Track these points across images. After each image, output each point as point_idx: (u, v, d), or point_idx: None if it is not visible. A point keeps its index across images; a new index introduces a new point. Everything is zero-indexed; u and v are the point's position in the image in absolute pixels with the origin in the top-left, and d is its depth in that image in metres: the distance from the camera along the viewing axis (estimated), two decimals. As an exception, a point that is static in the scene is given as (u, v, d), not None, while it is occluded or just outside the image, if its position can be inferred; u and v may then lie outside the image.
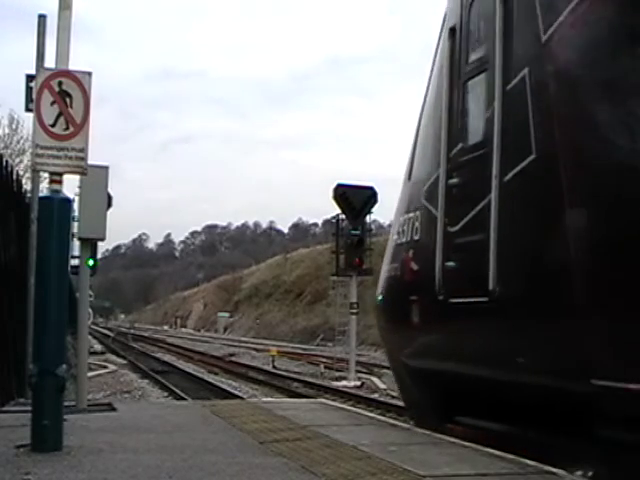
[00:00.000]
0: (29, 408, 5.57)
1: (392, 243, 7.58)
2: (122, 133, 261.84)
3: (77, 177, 7.43)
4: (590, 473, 4.66)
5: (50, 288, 5.36)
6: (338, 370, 23.70)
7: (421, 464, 4.80)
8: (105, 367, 25.02)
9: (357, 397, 16.67)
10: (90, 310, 14.09)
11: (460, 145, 6.26)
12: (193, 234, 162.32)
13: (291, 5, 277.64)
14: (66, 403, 6.03)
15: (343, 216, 22.86)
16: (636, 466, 4.43)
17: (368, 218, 22.82)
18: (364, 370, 23.54)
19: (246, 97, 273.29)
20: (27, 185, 14.01)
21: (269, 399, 14.63)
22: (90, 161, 5.67)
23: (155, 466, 4.72)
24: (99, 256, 15.07)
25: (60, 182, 5.46)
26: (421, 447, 5.58)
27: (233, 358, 32.13)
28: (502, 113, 5.56)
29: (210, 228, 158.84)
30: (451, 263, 6.09)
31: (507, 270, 5.34)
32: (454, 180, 6.24)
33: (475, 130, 6.12)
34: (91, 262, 10.11)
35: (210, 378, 22.27)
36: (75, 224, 8.79)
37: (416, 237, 6.90)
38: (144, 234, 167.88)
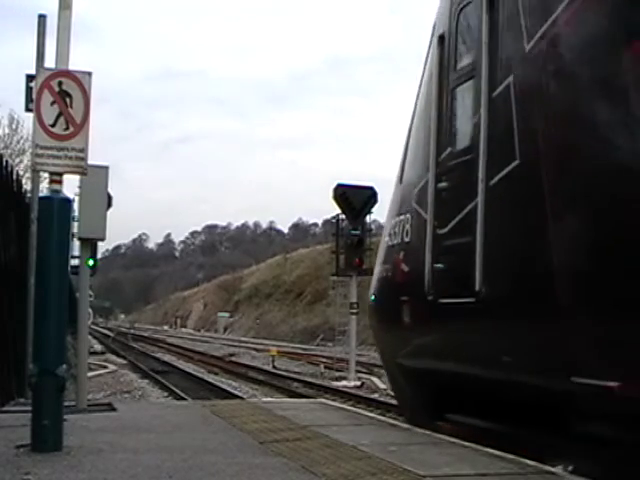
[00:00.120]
0: (29, 408, 5.57)
1: (384, 245, 7.79)
2: (122, 133, 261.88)
3: (77, 177, 7.44)
4: (570, 467, 4.80)
5: (50, 288, 5.36)
6: (338, 370, 23.70)
7: (421, 464, 4.80)
8: (105, 367, 25.02)
9: (357, 397, 16.67)
10: (90, 310, 14.11)
11: (449, 150, 6.42)
12: (193, 234, 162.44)
13: (291, 5, 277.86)
14: (66, 403, 6.03)
15: (343, 216, 22.85)
16: (615, 461, 4.53)
17: (368, 218, 22.82)
18: (364, 370, 23.53)
19: (246, 97, 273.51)
20: (27, 185, 14.02)
21: (269, 399, 14.63)
22: (90, 161, 5.68)
23: (155, 466, 4.72)
24: (99, 256, 15.10)
25: (60, 182, 5.46)
26: (421, 447, 5.58)
27: (233, 358, 32.13)
28: (488, 119, 5.72)
29: (210, 228, 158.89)
30: (440, 264, 6.27)
31: (492, 271, 5.51)
32: (443, 184, 6.40)
33: (463, 135, 6.29)
34: (91, 262, 10.12)
35: (210, 378, 22.27)
36: (75, 224, 8.80)
37: (407, 239, 7.08)
38: (144, 234, 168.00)
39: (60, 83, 5.40)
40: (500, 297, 5.47)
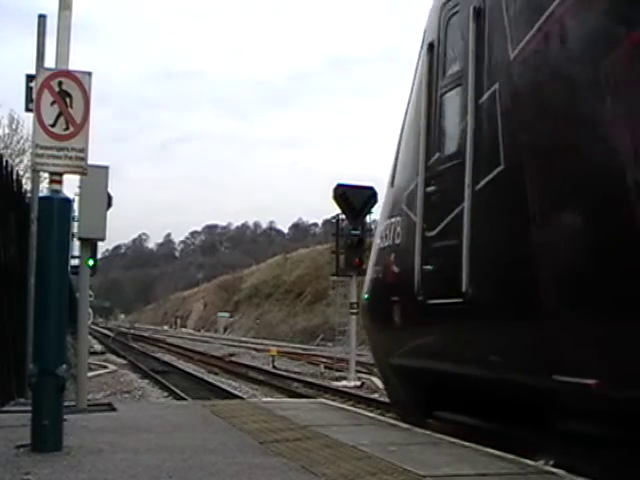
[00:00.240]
0: (29, 408, 5.57)
1: (376, 247, 8.02)
2: (122, 133, 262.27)
3: (77, 177, 7.44)
4: (551, 462, 4.95)
5: (50, 288, 5.36)
6: (338, 370, 23.69)
7: (421, 464, 4.80)
8: (105, 367, 25.01)
9: (357, 397, 16.66)
10: (90, 310, 14.10)
11: (437, 155, 6.60)
12: (193, 234, 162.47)
13: (291, 5, 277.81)
14: (66, 403, 6.03)
15: (343, 216, 22.84)
16: (594, 457, 4.67)
17: (368, 218, 22.78)
18: (364, 370, 23.51)
19: (246, 97, 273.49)
20: (27, 185, 14.01)
21: (269, 399, 14.63)
22: (90, 161, 5.67)
23: (155, 466, 4.72)
24: (99, 256, 15.11)
25: (60, 182, 5.46)
26: (421, 447, 5.58)
27: (233, 358, 32.12)
28: (474, 126, 5.88)
29: (210, 228, 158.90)
30: (429, 266, 6.45)
31: (478, 273, 5.69)
32: (431, 188, 6.58)
33: (450, 141, 6.47)
34: (91, 262, 10.12)
35: (210, 378, 22.26)
36: (75, 224, 8.79)
37: (397, 241, 7.27)
38: (144, 234, 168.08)
39: (60, 83, 5.40)
40: (485, 298, 5.65)
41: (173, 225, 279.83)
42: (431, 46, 6.91)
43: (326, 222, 75.54)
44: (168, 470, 4.61)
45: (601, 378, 4.50)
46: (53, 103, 5.37)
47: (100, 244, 11.17)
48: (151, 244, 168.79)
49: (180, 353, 36.64)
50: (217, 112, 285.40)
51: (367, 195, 21.84)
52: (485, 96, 5.80)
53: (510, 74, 5.55)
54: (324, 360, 26.59)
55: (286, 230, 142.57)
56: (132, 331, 63.31)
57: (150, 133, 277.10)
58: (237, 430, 6.34)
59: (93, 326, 48.04)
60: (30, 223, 9.17)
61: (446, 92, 6.56)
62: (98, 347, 37.57)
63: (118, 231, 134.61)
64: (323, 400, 11.12)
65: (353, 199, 21.79)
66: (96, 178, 8.38)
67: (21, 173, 17.49)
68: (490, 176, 5.63)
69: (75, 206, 8.12)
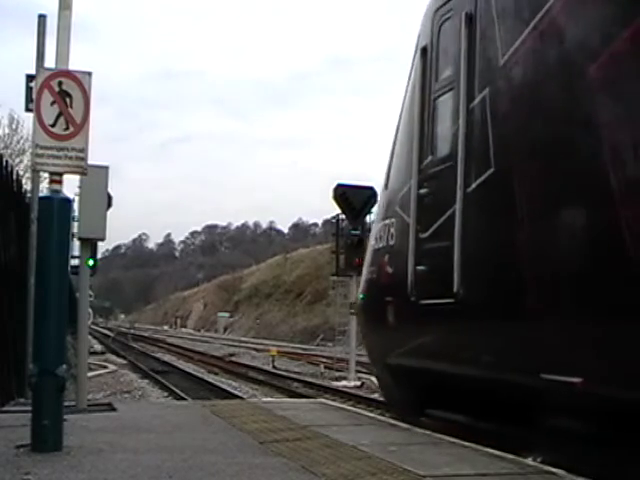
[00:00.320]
0: (29, 408, 5.56)
1: (370, 248, 8.19)
2: (122, 133, 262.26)
3: (77, 177, 7.44)
4: (539, 459, 5.08)
5: (50, 288, 5.36)
6: (338, 370, 23.68)
7: (421, 464, 4.80)
8: (105, 367, 25.00)
9: (357, 397, 16.65)
10: (90, 310, 14.11)
11: (430, 158, 6.75)
12: (193, 234, 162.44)
13: (291, 5, 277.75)
14: (66, 403, 6.03)
15: (343, 216, 22.84)
16: (580, 453, 4.82)
17: (368, 218, 22.75)
18: (364, 370, 23.48)
19: (246, 97, 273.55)
20: (27, 185, 14.01)
21: (269, 399, 14.62)
22: (90, 161, 5.67)
23: (155, 466, 4.72)
24: (99, 256, 15.11)
25: (60, 182, 5.46)
26: (421, 447, 5.58)
27: (233, 358, 32.10)
28: (466, 129, 6.01)
29: (210, 228, 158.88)
30: (421, 267, 6.59)
31: (469, 274, 5.83)
32: (424, 190, 6.71)
33: (443, 144, 6.60)
34: (91, 262, 10.12)
35: (210, 378, 22.25)
36: (75, 224, 8.79)
37: (391, 242, 7.43)
38: (144, 234, 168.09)
39: (60, 83, 5.39)
40: (476, 298, 5.78)
41: (173, 225, 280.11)
42: (424, 50, 7.03)
43: (326, 222, 75.64)
44: (168, 470, 4.61)
45: (586, 376, 4.62)
46: (53, 103, 5.37)
47: (100, 244, 11.18)
48: (151, 244, 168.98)
49: (180, 353, 36.62)
50: (217, 112, 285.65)
51: (367, 195, 21.82)
52: (476, 100, 5.93)
53: (500, 79, 5.71)
54: (324, 360, 26.57)
55: (286, 230, 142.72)
56: (132, 331, 63.28)
57: (150, 133, 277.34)
58: (237, 430, 6.34)
59: (93, 326, 48.05)
60: (30, 223, 9.17)
61: (439, 96, 6.69)
62: (98, 347, 37.56)
63: (118, 231, 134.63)
64: (323, 400, 11.12)
65: (353, 199, 21.78)
66: (96, 178, 8.38)
67: (21, 173, 17.50)
68: (481, 179, 5.77)
69: (75, 206, 8.12)
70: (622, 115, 4.55)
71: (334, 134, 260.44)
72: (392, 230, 7.40)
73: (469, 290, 5.80)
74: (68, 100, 5.39)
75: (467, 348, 5.88)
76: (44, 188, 9.75)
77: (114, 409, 7.98)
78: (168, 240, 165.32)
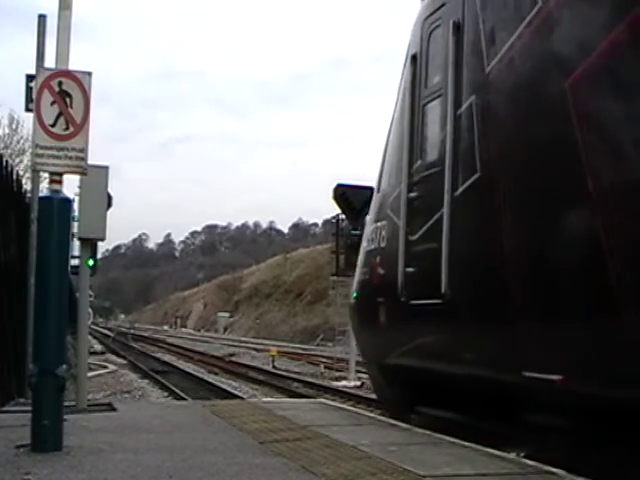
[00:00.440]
0: (29, 408, 5.56)
1: (363, 249, 8.41)
2: (122, 133, 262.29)
3: (77, 177, 7.43)
4: (522, 454, 5.27)
5: (50, 288, 5.36)
6: (338, 370, 23.69)
7: (421, 464, 4.80)
8: (105, 367, 25.01)
9: (357, 397, 16.65)
10: (90, 310, 14.11)
11: (419, 162, 6.96)
12: (193, 234, 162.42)
13: (291, 5, 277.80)
14: (66, 403, 6.03)
15: (343, 216, 22.84)
16: (560, 447, 5.02)
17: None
18: (364, 370, 23.43)
19: (246, 97, 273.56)
20: (27, 185, 14.00)
21: (269, 399, 14.62)
22: (90, 161, 5.67)
23: (155, 466, 4.72)
24: (99, 256, 15.08)
25: (60, 182, 5.46)
26: (421, 447, 5.58)
27: (233, 358, 32.11)
28: (453, 135, 6.20)
29: (210, 228, 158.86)
30: (411, 268, 6.77)
31: (456, 275, 6.01)
32: (414, 194, 6.93)
33: (431, 149, 6.81)
34: (91, 262, 10.11)
35: (210, 378, 22.25)
36: (75, 224, 8.79)
37: (382, 244, 7.64)
38: (144, 234, 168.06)
39: (60, 83, 5.39)
40: (462, 299, 5.97)
41: (173, 225, 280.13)
42: (414, 58, 7.21)
43: (326, 222, 75.61)
44: (168, 470, 4.61)
45: (565, 374, 4.81)
46: (53, 103, 5.37)
47: (100, 244, 11.15)
48: (151, 244, 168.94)
49: (180, 353, 36.62)
50: (217, 112, 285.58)
51: (367, 195, 21.61)
52: (463, 107, 6.12)
53: (485, 87, 5.91)
54: (324, 360, 26.57)
55: (286, 230, 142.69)
56: (132, 331, 63.29)
57: (150, 133, 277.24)
58: (237, 430, 6.34)
59: (93, 326, 48.06)
60: (30, 223, 9.16)
61: (428, 102, 6.88)
62: (98, 347, 37.57)
63: (118, 231, 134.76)
64: (323, 400, 11.12)
65: (353, 199, 21.77)
66: (96, 178, 8.38)
67: (21, 173, 17.48)
68: (467, 183, 5.95)
69: (75, 206, 8.12)
70: (600, 122, 4.73)
71: (334, 134, 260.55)
72: (383, 232, 7.61)
73: (456, 291, 5.97)
74: (68, 100, 5.39)
75: (454, 347, 6.07)
76: (44, 188, 9.75)
77: (114, 409, 7.98)
78: (168, 240, 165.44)
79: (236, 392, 17.81)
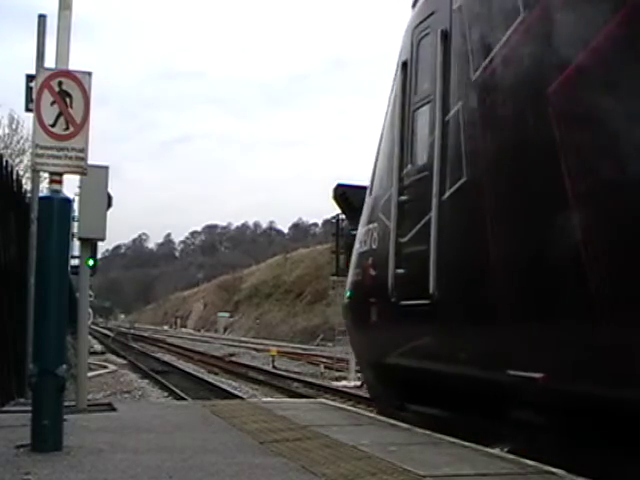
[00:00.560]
0: (29, 408, 5.56)
1: (355, 251, 8.61)
2: (122, 133, 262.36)
3: (77, 177, 7.43)
4: (506, 449, 5.44)
5: (50, 288, 5.36)
6: (338, 370, 23.70)
7: (421, 464, 4.80)
8: (105, 367, 25.03)
9: (357, 397, 16.64)
10: (90, 310, 14.09)
11: (409, 166, 7.15)
12: (193, 234, 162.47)
13: (291, 5, 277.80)
14: (66, 403, 6.03)
15: (343, 216, 22.82)
16: (543, 444, 5.13)
17: (368, 218, 22.77)
18: (364, 370, 23.50)
19: (246, 97, 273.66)
20: (27, 185, 14.00)
21: (269, 399, 14.63)
22: (90, 161, 5.67)
23: (155, 466, 4.72)
24: (99, 256, 15.03)
25: (60, 182, 5.45)
26: (421, 447, 5.58)
27: (233, 358, 32.13)
28: (441, 140, 6.36)
29: (210, 228, 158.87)
30: (401, 270, 6.95)
31: (443, 277, 6.19)
32: (404, 197, 7.11)
33: (420, 154, 6.99)
34: (91, 262, 10.09)
35: (210, 378, 22.26)
36: (75, 224, 8.78)
37: (374, 246, 7.83)
38: (144, 234, 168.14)
39: (60, 83, 5.39)
40: (449, 299, 6.15)
41: (173, 225, 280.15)
42: (405, 65, 7.38)
43: (326, 222, 75.55)
44: (168, 470, 4.61)
45: (547, 373, 4.96)
46: (53, 103, 5.37)
47: (100, 244, 11.11)
48: (151, 244, 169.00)
49: (180, 353, 36.64)
50: (217, 112, 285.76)
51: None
52: (450, 113, 6.28)
53: (472, 93, 6.07)
54: (324, 360, 26.60)
55: (286, 230, 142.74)
56: (132, 331, 63.29)
57: (150, 133, 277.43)
58: (237, 430, 6.34)
59: (93, 326, 48.06)
60: (30, 223, 9.16)
61: (417, 108, 7.06)
62: (98, 347, 37.58)
63: (118, 231, 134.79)
64: (323, 400, 11.12)
65: (353, 199, 21.63)
66: (96, 178, 8.37)
67: (21, 173, 17.47)
68: (454, 187, 6.12)
69: (75, 206, 8.11)
70: (581, 128, 4.83)
71: (334, 134, 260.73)
72: (375, 234, 7.81)
73: (443, 292, 6.15)
74: (68, 100, 5.39)
75: (442, 346, 6.27)
76: (44, 188, 9.76)
77: (114, 409, 7.97)
78: (168, 240, 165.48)
79: (236, 392, 17.82)
